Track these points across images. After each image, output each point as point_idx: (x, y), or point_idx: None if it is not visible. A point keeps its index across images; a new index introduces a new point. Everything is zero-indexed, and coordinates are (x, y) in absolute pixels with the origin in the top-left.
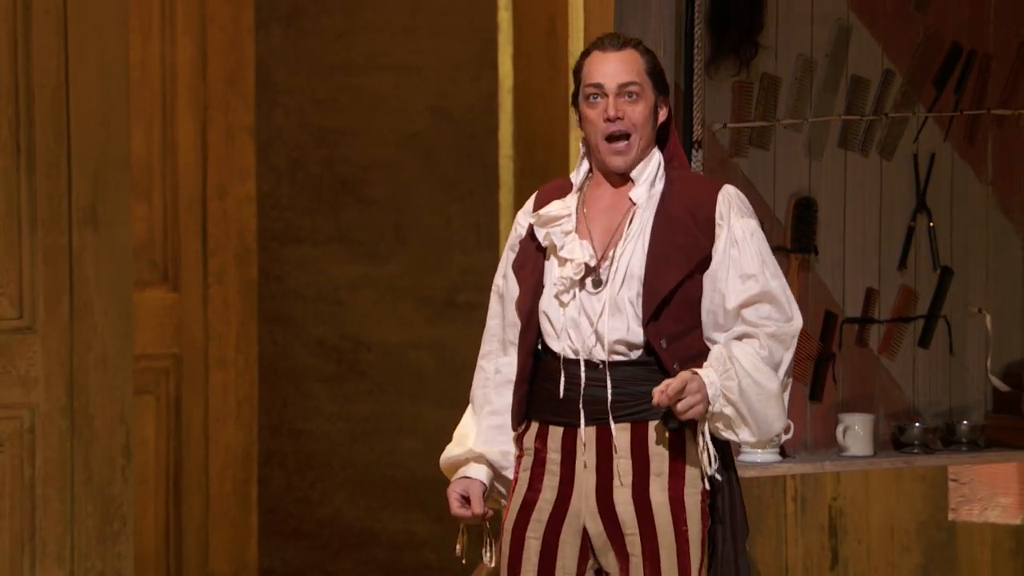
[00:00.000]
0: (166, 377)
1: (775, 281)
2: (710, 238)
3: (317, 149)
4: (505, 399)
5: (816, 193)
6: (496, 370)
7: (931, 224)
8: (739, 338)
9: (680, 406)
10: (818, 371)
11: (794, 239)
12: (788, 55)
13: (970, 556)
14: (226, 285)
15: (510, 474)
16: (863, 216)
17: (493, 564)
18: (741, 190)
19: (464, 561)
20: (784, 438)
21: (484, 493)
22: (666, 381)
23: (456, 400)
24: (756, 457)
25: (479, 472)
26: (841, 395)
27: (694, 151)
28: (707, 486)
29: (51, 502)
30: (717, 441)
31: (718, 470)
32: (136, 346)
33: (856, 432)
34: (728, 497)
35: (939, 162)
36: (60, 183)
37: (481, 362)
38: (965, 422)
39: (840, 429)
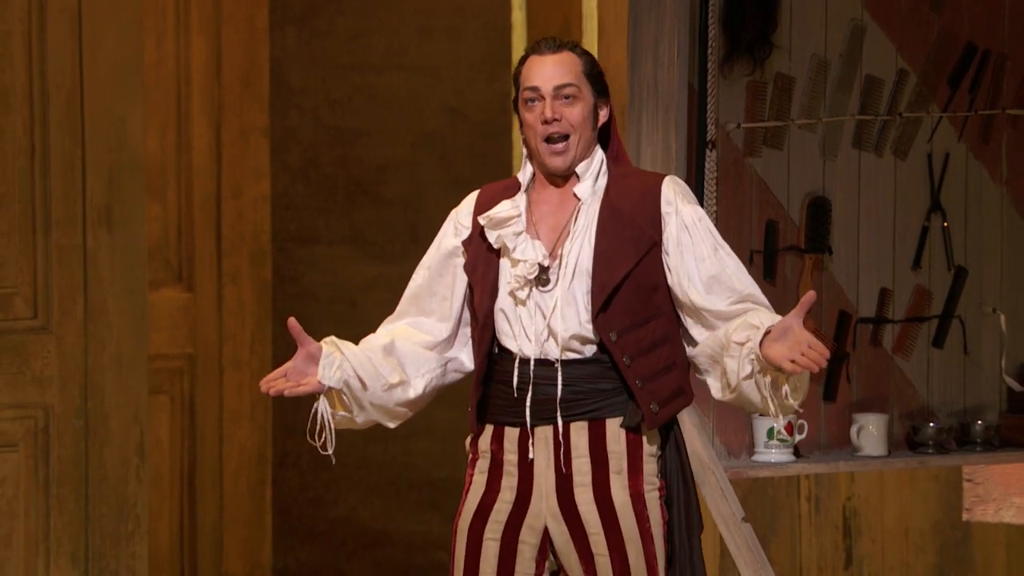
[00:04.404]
0: (180, 377)
1: (732, 260)
2: (657, 228)
3: (331, 149)
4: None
5: (830, 193)
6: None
7: (945, 224)
8: (739, 313)
9: (808, 361)
10: (832, 371)
11: (808, 239)
12: (802, 55)
13: (985, 556)
14: (240, 285)
15: (358, 388)
16: (877, 216)
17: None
18: (755, 190)
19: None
20: (799, 437)
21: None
22: (803, 342)
23: (435, 389)
24: (770, 457)
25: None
26: (855, 395)
27: (708, 151)
28: (663, 482)
29: (66, 502)
30: (672, 434)
31: (672, 468)
32: (150, 346)
33: (870, 432)
34: (683, 494)
35: (953, 162)
36: (75, 183)
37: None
38: (979, 422)
39: (854, 429)
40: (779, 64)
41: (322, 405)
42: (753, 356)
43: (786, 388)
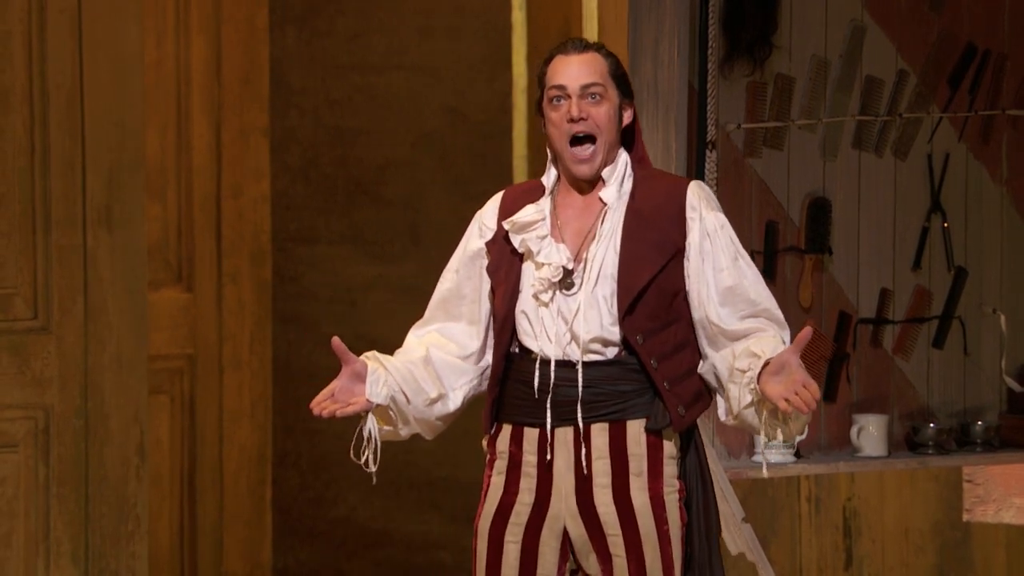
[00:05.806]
0: (180, 377)
1: (751, 271)
2: (682, 232)
3: (331, 149)
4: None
5: (830, 193)
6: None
7: (945, 224)
8: (747, 333)
9: (800, 402)
10: (832, 372)
11: (808, 239)
12: (802, 55)
13: (985, 556)
14: (240, 285)
15: (404, 403)
16: (877, 216)
17: (373, 469)
18: (755, 190)
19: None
20: (799, 438)
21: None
22: (798, 382)
23: (471, 400)
24: (771, 458)
25: (372, 362)
26: (855, 396)
27: (708, 152)
28: (683, 484)
29: (66, 502)
30: (691, 439)
31: (692, 470)
32: (151, 346)
33: (870, 433)
34: (702, 496)
35: (953, 162)
36: (75, 183)
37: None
38: (979, 422)
39: (854, 430)
40: (779, 64)
41: (370, 423)
42: (752, 386)
43: (785, 418)
